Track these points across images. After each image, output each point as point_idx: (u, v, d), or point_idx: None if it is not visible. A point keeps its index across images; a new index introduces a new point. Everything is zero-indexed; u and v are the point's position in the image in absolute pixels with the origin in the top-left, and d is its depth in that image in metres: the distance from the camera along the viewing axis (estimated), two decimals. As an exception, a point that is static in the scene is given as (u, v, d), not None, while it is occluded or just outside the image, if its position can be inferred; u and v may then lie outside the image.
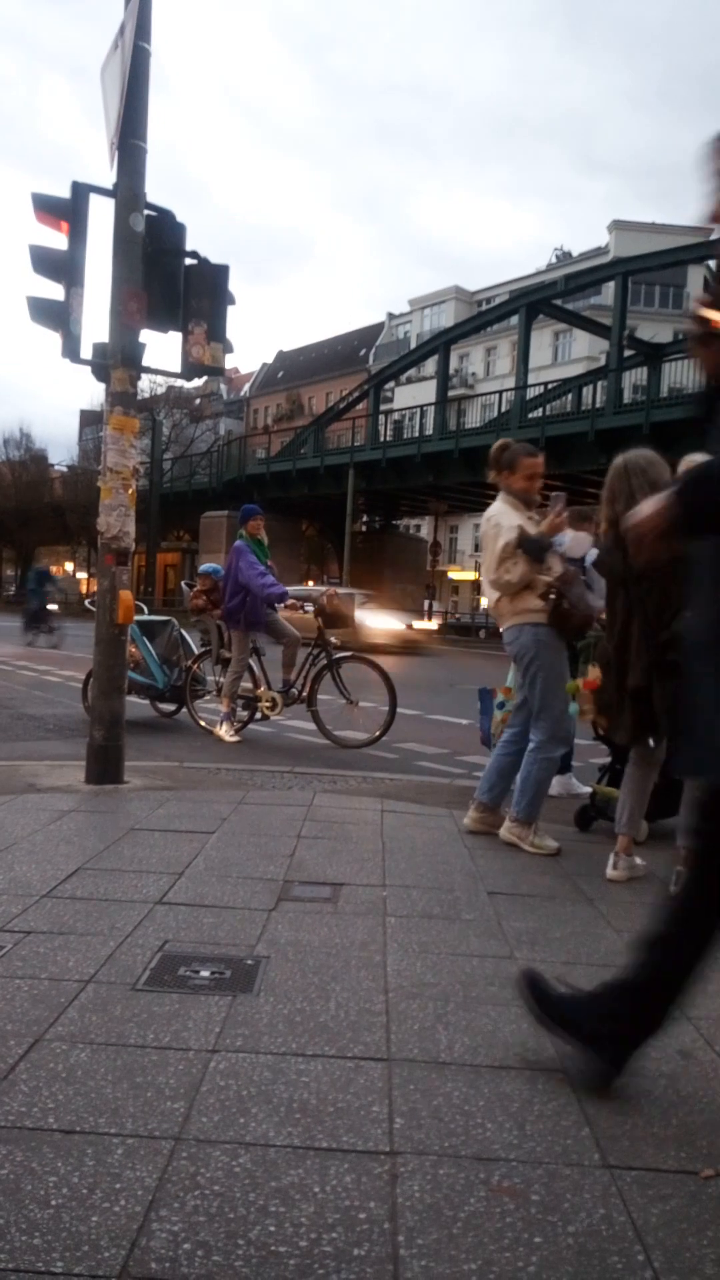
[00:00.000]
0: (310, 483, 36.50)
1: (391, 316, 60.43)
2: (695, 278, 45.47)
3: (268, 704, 7.29)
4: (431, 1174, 1.67)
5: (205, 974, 2.52)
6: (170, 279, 5.10)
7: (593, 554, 5.72)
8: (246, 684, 7.43)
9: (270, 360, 67.54)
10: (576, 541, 5.19)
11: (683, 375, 30.17)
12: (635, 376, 32.00)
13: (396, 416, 39.36)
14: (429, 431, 34.36)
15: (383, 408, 38.33)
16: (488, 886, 3.56)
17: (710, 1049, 2.27)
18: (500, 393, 34.61)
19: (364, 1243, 1.46)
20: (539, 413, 31.93)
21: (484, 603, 4.49)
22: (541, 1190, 1.64)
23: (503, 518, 4.18)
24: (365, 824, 4.45)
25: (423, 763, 6.94)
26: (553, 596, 4.09)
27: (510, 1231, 1.51)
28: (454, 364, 36.71)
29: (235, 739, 7.29)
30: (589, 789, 5.12)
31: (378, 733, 7.04)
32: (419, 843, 4.19)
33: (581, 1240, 1.50)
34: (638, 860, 3.85)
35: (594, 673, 4.01)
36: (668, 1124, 1.90)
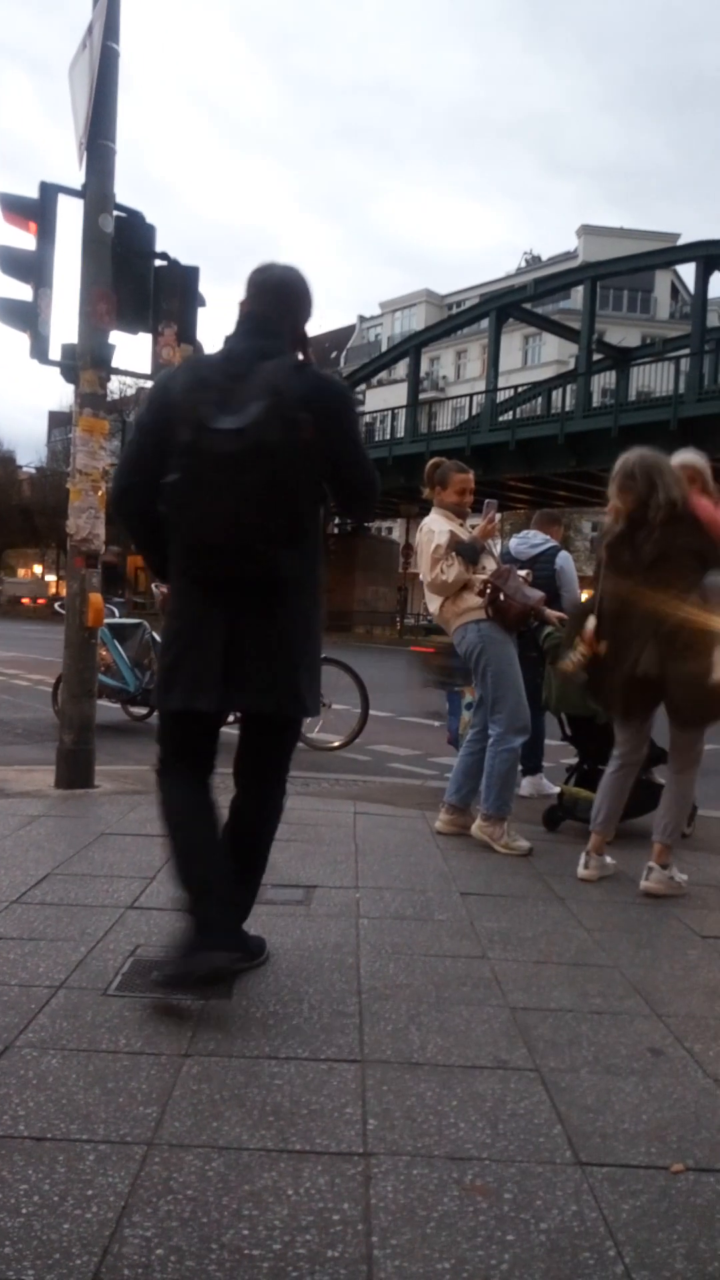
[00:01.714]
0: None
1: (362, 319, 60.55)
2: (662, 282, 46.06)
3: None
4: (405, 1174, 1.67)
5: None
6: (140, 280, 5.08)
7: (563, 556, 5.78)
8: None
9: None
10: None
11: (650, 379, 30.48)
12: (604, 380, 32.26)
13: (368, 419, 39.38)
14: (400, 434, 34.43)
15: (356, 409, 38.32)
16: (460, 887, 3.58)
17: (680, 1045, 2.29)
18: (471, 395, 34.77)
19: (338, 1244, 1.46)
20: (509, 416, 32.10)
21: (430, 609, 4.57)
22: (514, 1188, 1.65)
23: (435, 524, 4.39)
24: (338, 826, 4.45)
25: (395, 764, 6.95)
26: (489, 591, 4.19)
27: (483, 1230, 1.52)
28: (425, 367, 36.85)
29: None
30: (559, 789, 5.16)
31: (350, 735, 7.05)
32: (391, 844, 4.19)
33: (554, 1237, 1.51)
34: (608, 859, 3.88)
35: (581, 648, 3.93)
36: (639, 1120, 1.91)
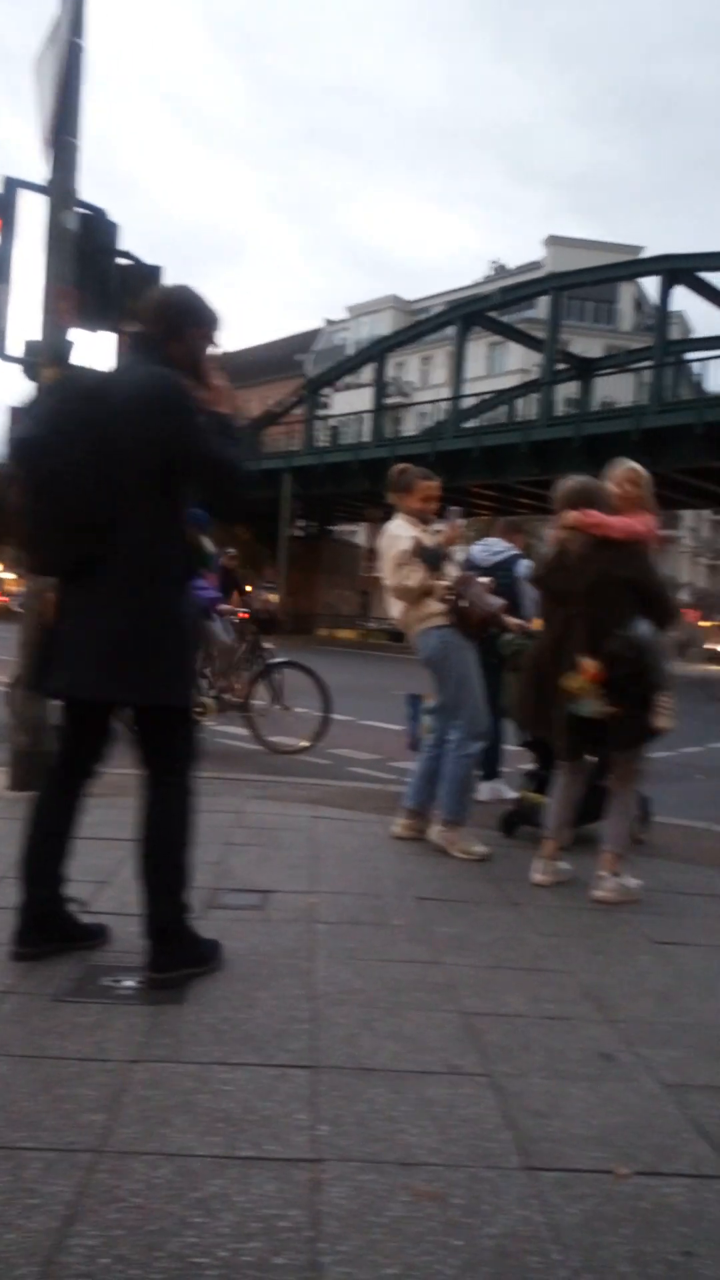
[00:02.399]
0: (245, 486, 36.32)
1: (330, 323, 60.56)
2: (626, 294, 46.64)
3: (200, 709, 7.22)
4: (354, 1180, 1.67)
5: (129, 984, 2.48)
6: (102, 278, 5.04)
7: (523, 565, 5.82)
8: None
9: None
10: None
11: (614, 390, 30.87)
12: (568, 389, 32.60)
13: (334, 423, 39.40)
14: (366, 439, 34.50)
15: (320, 413, 38.36)
16: (416, 892, 3.58)
17: (631, 1050, 2.31)
18: (436, 401, 34.94)
19: (285, 1251, 1.46)
20: (474, 423, 32.30)
21: (392, 614, 4.60)
22: (463, 1193, 1.65)
23: (399, 530, 4.40)
24: (296, 830, 4.44)
25: (355, 768, 6.95)
26: (451, 597, 4.22)
27: (431, 1235, 1.52)
28: (391, 372, 36.94)
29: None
30: (517, 794, 5.19)
31: (311, 739, 7.04)
32: (349, 849, 4.19)
33: (501, 1242, 1.52)
34: (563, 864, 3.91)
35: (589, 666, 3.93)
36: (588, 1125, 1.93)
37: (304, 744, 7.06)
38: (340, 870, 3.81)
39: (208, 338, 2.59)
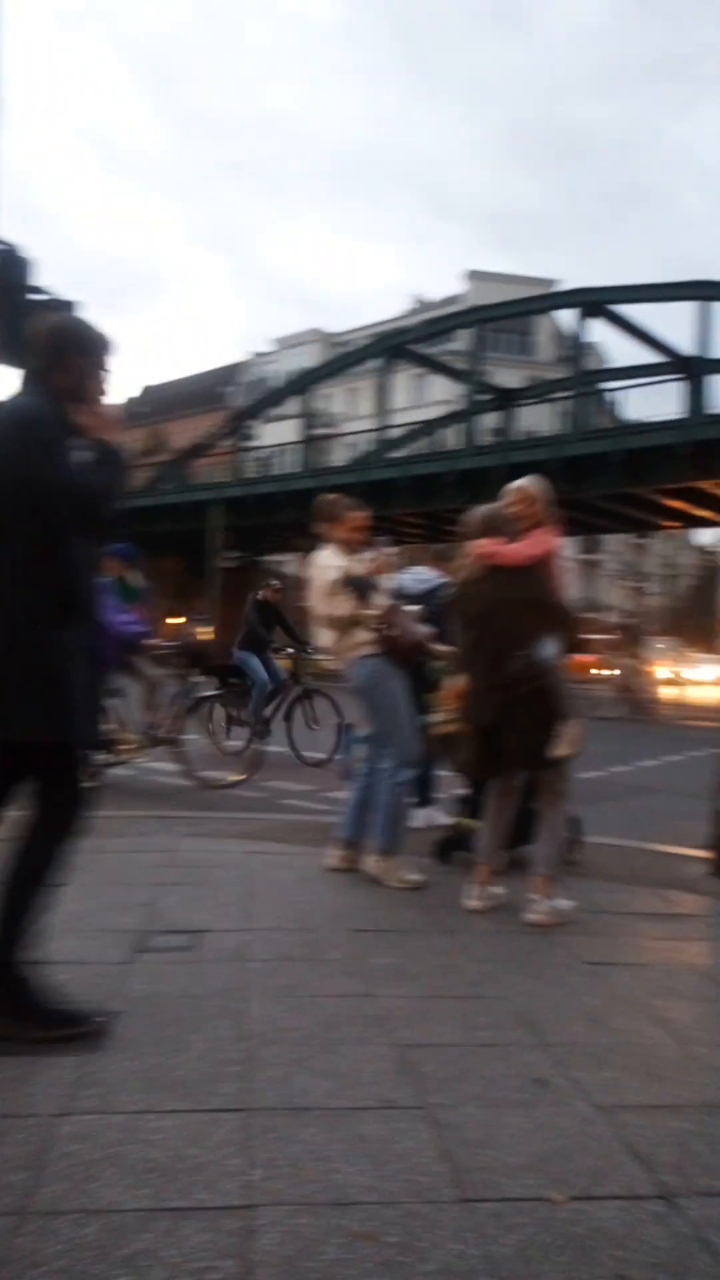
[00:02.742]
0: (174, 518, 36.09)
1: (256, 355, 60.85)
2: (543, 326, 47.89)
3: (130, 746, 7.10)
4: (288, 1225, 1.64)
5: (55, 1034, 2.40)
6: (14, 314, 4.99)
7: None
8: (108, 725, 7.22)
9: (137, 395, 66.65)
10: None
11: (534, 419, 31.59)
12: (491, 419, 33.25)
13: (262, 454, 39.47)
14: (294, 469, 34.62)
15: (247, 445, 38.41)
16: (350, 924, 3.56)
17: (564, 1074, 2.32)
18: (362, 432, 35.28)
19: (216, 1305, 1.42)
20: (401, 452, 32.69)
21: (321, 643, 4.63)
22: (398, 1231, 1.64)
23: (327, 559, 4.43)
24: (228, 867, 4.38)
25: (289, 801, 6.90)
26: (380, 627, 4.27)
27: (366, 1276, 1.50)
28: (318, 404, 37.21)
29: (94, 783, 7.06)
30: (450, 820, 5.21)
31: (244, 772, 6.97)
32: (283, 883, 4.15)
33: (436, 1278, 1.51)
34: (497, 890, 3.94)
35: (450, 688, 4.10)
36: (522, 1153, 1.93)
37: (237, 778, 6.98)
38: (274, 906, 3.77)
39: (95, 364, 2.57)
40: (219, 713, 7.46)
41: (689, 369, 25.27)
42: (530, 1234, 1.65)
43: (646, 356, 28.53)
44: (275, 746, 7.77)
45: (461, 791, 5.15)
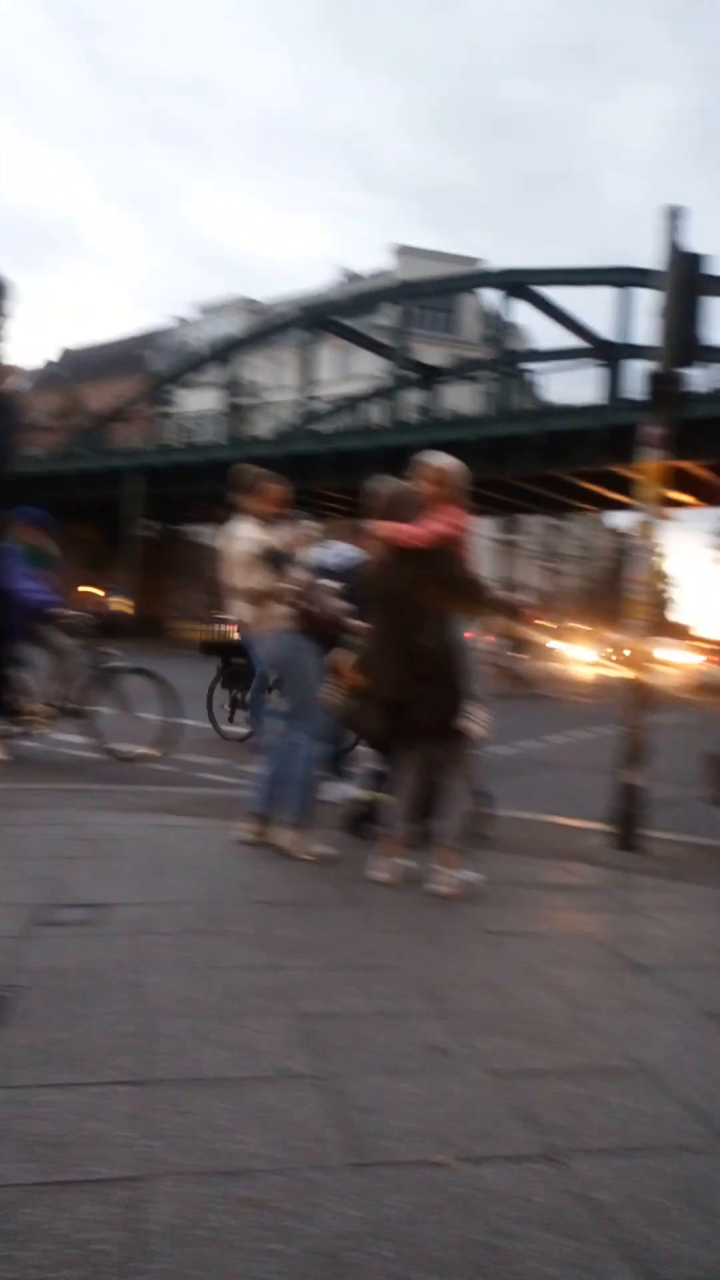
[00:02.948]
0: (90, 485, 35.26)
1: (180, 322, 59.57)
2: (468, 305, 48.04)
3: (39, 718, 6.94)
4: (179, 1194, 1.65)
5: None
6: None
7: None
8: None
9: (54, 358, 64.56)
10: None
11: (458, 399, 31.75)
12: (415, 396, 33.31)
13: (184, 422, 38.77)
14: (216, 439, 34.14)
15: (168, 412, 37.70)
16: (258, 897, 3.57)
17: (461, 1041, 2.38)
18: (286, 404, 34.97)
19: (100, 1275, 1.42)
20: (325, 426, 32.53)
21: (237, 616, 4.60)
22: (288, 1197, 1.66)
23: (244, 532, 4.40)
24: (136, 841, 4.34)
25: (202, 774, 6.85)
26: (296, 600, 4.26)
27: (251, 1242, 1.52)
28: (240, 373, 36.68)
29: (4, 757, 6.89)
30: (362, 794, 5.25)
31: (157, 745, 6.89)
32: (191, 857, 4.13)
33: (322, 1242, 1.53)
34: (404, 862, 3.99)
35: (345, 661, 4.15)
36: (414, 1118, 1.97)
37: (149, 751, 6.90)
38: (180, 879, 3.75)
39: None
40: (133, 684, 7.35)
41: (609, 354, 25.73)
42: (417, 1196, 1.69)
43: (569, 340, 28.92)
44: (194, 720, 7.70)
45: (373, 766, 5.20)
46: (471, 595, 3.94)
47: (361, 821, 4.81)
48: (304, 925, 3.26)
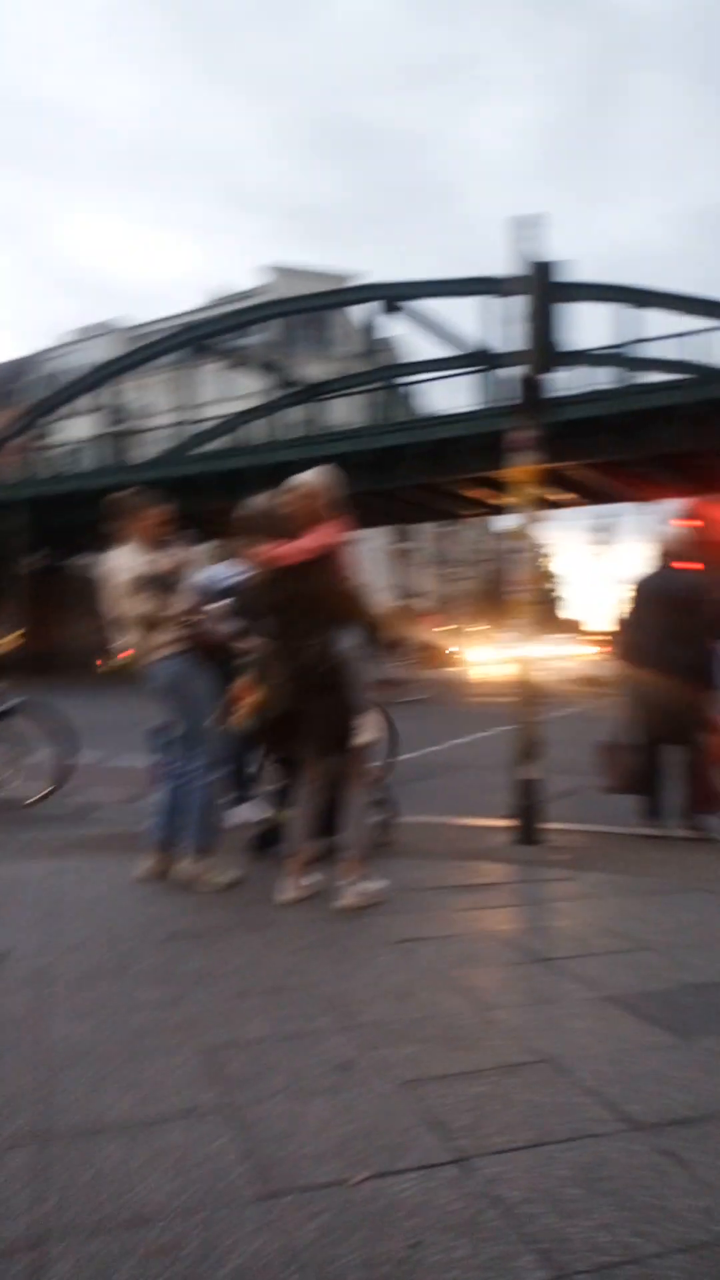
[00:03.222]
0: None
1: (50, 349, 58.28)
2: (344, 320, 48.54)
3: None
4: (83, 1252, 1.59)
5: None
6: None
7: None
8: None
9: None
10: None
11: (340, 413, 31.99)
12: (297, 412, 33.41)
13: (63, 450, 37.87)
14: (97, 465, 33.49)
15: (44, 441, 36.79)
16: (160, 932, 3.49)
17: (370, 1054, 2.37)
18: (167, 427, 34.58)
19: (-2, 1350, 1.35)
20: (208, 447, 32.29)
21: (126, 643, 4.51)
22: (197, 1238, 1.62)
23: (125, 559, 4.33)
24: (31, 886, 4.19)
25: (101, 813, 6.68)
26: (184, 624, 4.22)
27: (160, 1292, 1.47)
28: (119, 398, 36.09)
29: None
30: (265, 814, 5.21)
31: (51, 785, 6.67)
32: (90, 898, 4.02)
33: (236, 1278, 1.50)
34: (310, 879, 3.97)
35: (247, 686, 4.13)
36: (325, 1139, 1.96)
37: (42, 793, 6.68)
38: (81, 922, 3.64)
39: None
40: (22, 723, 7.11)
41: (481, 362, 26.37)
42: (329, 1219, 1.67)
43: (444, 350, 29.52)
44: (95, 752, 7.49)
45: (276, 785, 5.16)
46: (354, 606, 3.95)
47: (266, 842, 4.77)
48: (209, 955, 3.21)
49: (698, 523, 6.01)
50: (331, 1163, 1.86)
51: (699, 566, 5.58)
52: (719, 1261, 1.56)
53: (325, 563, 3.85)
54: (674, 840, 4.98)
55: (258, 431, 31.63)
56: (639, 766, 5.44)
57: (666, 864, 4.54)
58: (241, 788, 5.70)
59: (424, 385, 30.57)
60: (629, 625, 5.51)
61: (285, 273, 48.56)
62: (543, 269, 5.50)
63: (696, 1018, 2.58)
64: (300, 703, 3.78)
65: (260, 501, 4.14)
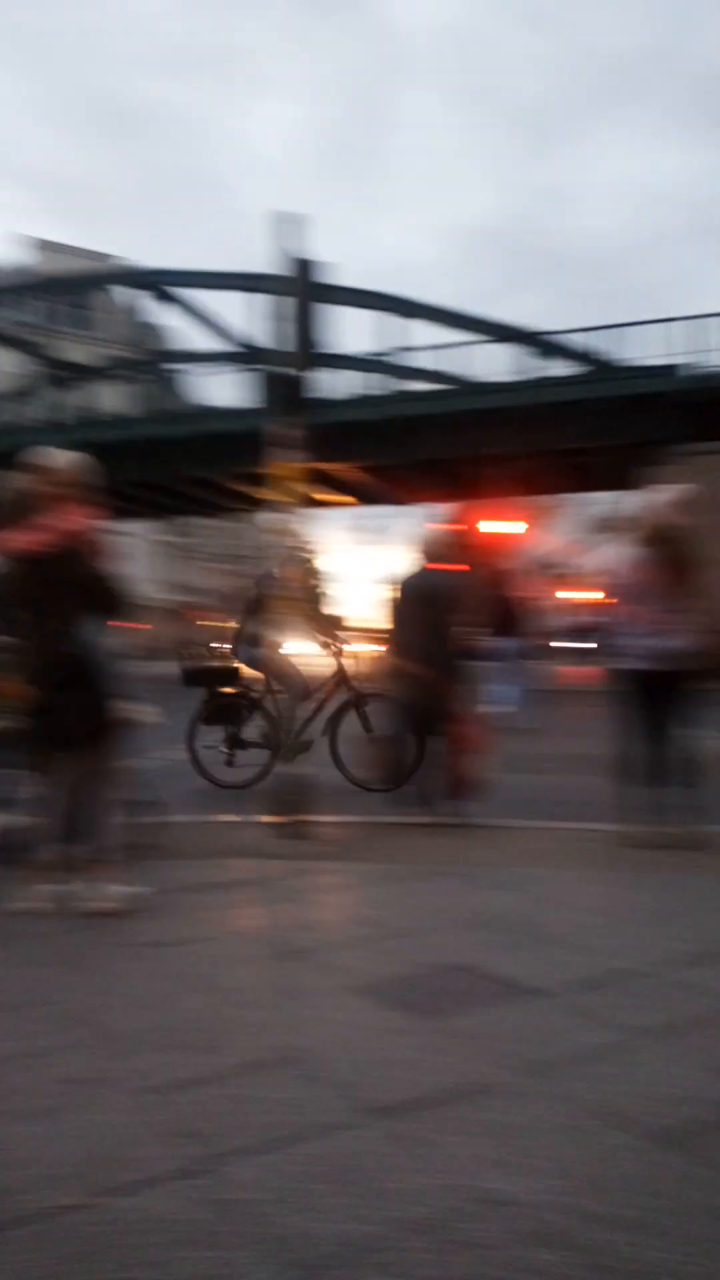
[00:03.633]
0: None
1: None
2: (108, 302, 46.89)
3: None
4: None
5: None
6: None
7: None
8: None
9: None
10: None
11: (107, 399, 30.87)
12: (62, 394, 31.89)
13: None
14: None
15: None
16: None
17: (112, 1067, 2.27)
18: None
19: None
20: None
21: None
22: None
23: None
24: None
25: None
26: None
27: None
28: None
29: None
30: (13, 821, 4.91)
31: None
32: None
33: (-56, 1332, 1.38)
34: (56, 887, 3.77)
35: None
36: (55, 1162, 1.84)
37: None
38: None
39: None
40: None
41: (250, 358, 26.33)
42: (60, 1247, 1.57)
43: (214, 342, 29.19)
44: None
45: (28, 789, 4.87)
46: (107, 597, 3.78)
47: (14, 850, 4.49)
48: (-58, 975, 2.96)
49: (458, 526, 6.32)
50: (63, 1187, 1.76)
51: (460, 567, 5.87)
52: (455, 1240, 1.60)
53: (74, 550, 3.66)
54: (435, 827, 5.20)
55: (14, 412, 29.85)
56: (403, 757, 5.66)
57: (425, 850, 4.73)
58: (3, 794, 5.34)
59: (195, 376, 30.09)
60: (395, 622, 5.70)
61: (50, 249, 46.21)
62: (305, 268, 5.56)
63: (437, 999, 2.69)
64: (51, 698, 3.59)
65: (7, 485, 3.87)
